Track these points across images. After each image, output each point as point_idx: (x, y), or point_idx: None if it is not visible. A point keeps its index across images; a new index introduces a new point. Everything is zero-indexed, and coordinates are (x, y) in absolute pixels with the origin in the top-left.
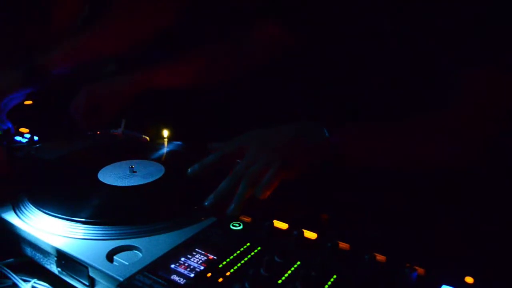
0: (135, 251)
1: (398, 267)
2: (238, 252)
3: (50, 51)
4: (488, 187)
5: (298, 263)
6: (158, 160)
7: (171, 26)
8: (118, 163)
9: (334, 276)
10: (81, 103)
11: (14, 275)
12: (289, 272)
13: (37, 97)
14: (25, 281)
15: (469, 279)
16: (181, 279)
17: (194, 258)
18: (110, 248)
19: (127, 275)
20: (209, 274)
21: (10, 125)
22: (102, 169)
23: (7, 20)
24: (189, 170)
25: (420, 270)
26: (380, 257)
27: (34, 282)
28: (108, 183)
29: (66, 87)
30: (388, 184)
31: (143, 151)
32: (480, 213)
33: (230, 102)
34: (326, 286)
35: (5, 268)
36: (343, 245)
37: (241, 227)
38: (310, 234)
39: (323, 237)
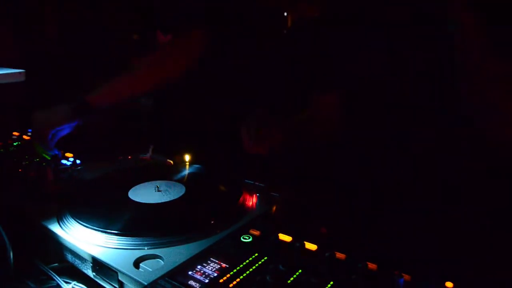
0: (158, 259)
1: (388, 274)
2: (247, 261)
3: (94, 91)
4: (467, 196)
5: (300, 271)
6: (180, 180)
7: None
8: (146, 183)
9: (331, 283)
10: (34, 130)
11: (58, 278)
12: (292, 279)
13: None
14: (67, 282)
15: (449, 284)
16: (197, 284)
17: (209, 266)
18: (137, 257)
19: (151, 280)
20: (221, 280)
21: (56, 152)
22: (132, 188)
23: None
24: None
25: (407, 277)
26: (371, 265)
27: (74, 284)
28: (137, 200)
29: (106, 119)
30: (378, 200)
31: (168, 173)
32: (461, 223)
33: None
34: None
35: (50, 271)
36: (339, 255)
37: (250, 239)
38: (310, 246)
39: (322, 248)
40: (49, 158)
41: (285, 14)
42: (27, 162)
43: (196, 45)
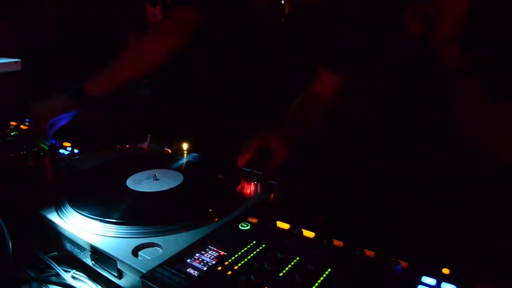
0: (156, 247)
1: (385, 261)
2: (245, 249)
3: (92, 78)
4: (464, 188)
5: (298, 258)
6: (178, 169)
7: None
8: (144, 172)
9: (329, 269)
10: (32, 120)
11: (57, 266)
12: (289, 266)
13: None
14: (66, 271)
15: (445, 270)
16: (196, 272)
17: (207, 254)
18: (136, 245)
19: (149, 268)
20: (219, 268)
21: (54, 142)
22: (130, 177)
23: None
24: None
25: (404, 264)
26: (369, 253)
27: (74, 273)
28: (135, 189)
29: (104, 109)
30: (375, 188)
31: (165, 161)
32: (456, 210)
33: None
34: (322, 278)
35: (50, 260)
36: (337, 242)
37: (248, 227)
38: (308, 233)
39: (320, 235)
40: (46, 148)
41: (282, 1)
42: (24, 152)
43: (191, 23)
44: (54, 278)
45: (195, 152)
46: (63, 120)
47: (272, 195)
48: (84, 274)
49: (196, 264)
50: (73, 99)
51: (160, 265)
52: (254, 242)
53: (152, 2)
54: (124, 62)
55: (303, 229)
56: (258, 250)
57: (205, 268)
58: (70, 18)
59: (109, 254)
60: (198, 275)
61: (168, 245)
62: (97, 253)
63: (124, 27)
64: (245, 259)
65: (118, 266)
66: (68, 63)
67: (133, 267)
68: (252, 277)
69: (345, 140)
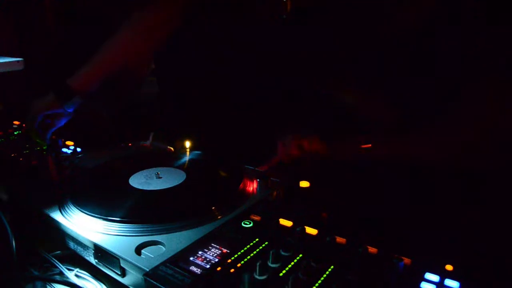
0: (159, 245)
1: (388, 258)
2: (248, 246)
3: (74, 75)
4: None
5: (301, 255)
6: (181, 167)
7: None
8: (146, 170)
9: (332, 267)
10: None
11: (61, 265)
12: (293, 263)
13: (81, 116)
14: (69, 270)
15: (449, 267)
16: (198, 270)
17: (210, 252)
18: (139, 243)
19: (152, 266)
20: (222, 266)
21: (48, 142)
22: (133, 175)
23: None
24: None
25: (407, 260)
26: (372, 250)
27: (77, 271)
28: (137, 187)
29: (105, 109)
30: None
31: (168, 160)
32: (458, 208)
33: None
34: (325, 275)
35: (53, 259)
36: (340, 239)
37: (251, 224)
38: (311, 230)
39: (322, 232)
40: (44, 146)
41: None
42: (28, 151)
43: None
44: (57, 277)
45: (197, 150)
46: (61, 120)
47: (275, 193)
48: (88, 272)
49: (199, 262)
50: (57, 97)
51: (163, 263)
52: (257, 239)
53: None
54: (106, 54)
55: (306, 226)
56: (261, 247)
57: (208, 266)
58: (73, 17)
59: (112, 253)
60: (201, 272)
61: (171, 243)
62: (100, 252)
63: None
64: (248, 257)
65: (121, 264)
66: (71, 62)
67: (136, 265)
68: (255, 274)
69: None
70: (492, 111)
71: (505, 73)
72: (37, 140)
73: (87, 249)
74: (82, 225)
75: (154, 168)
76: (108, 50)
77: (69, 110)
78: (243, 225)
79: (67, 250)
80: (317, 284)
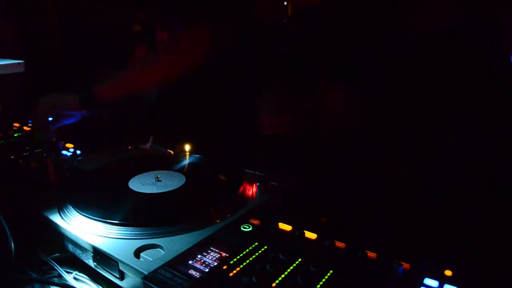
0: (158, 249)
1: (387, 263)
2: (247, 250)
3: (103, 83)
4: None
5: (299, 259)
6: (180, 170)
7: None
8: (146, 173)
9: (331, 271)
10: (40, 112)
11: (59, 267)
12: (291, 267)
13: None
14: (68, 272)
15: (448, 272)
16: (197, 273)
17: (209, 256)
18: (138, 246)
19: (151, 269)
20: (221, 269)
21: (54, 136)
22: (132, 179)
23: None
24: None
25: (406, 265)
26: (371, 254)
27: (76, 274)
28: (137, 190)
29: (109, 113)
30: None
31: (168, 163)
32: (459, 211)
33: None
34: (323, 280)
35: (52, 262)
36: (339, 244)
37: (250, 228)
38: (310, 235)
39: (322, 237)
40: (43, 143)
41: (285, 3)
42: (27, 153)
43: (205, 40)
44: (56, 279)
45: (197, 154)
46: (70, 119)
47: (274, 197)
48: (86, 275)
49: (198, 265)
50: (80, 99)
51: (162, 267)
52: (256, 243)
53: (162, 27)
54: (138, 74)
55: (305, 231)
56: (260, 251)
57: (207, 270)
58: (74, 20)
59: (111, 256)
60: (200, 276)
61: (170, 246)
62: (99, 255)
63: (128, 31)
64: (247, 261)
65: (120, 268)
66: (72, 65)
67: (135, 268)
68: (254, 278)
69: (346, 139)
70: None
71: None
72: (38, 134)
73: (86, 252)
74: (81, 227)
75: (153, 172)
76: (143, 71)
77: (86, 115)
78: (242, 229)
79: (66, 253)
80: None
